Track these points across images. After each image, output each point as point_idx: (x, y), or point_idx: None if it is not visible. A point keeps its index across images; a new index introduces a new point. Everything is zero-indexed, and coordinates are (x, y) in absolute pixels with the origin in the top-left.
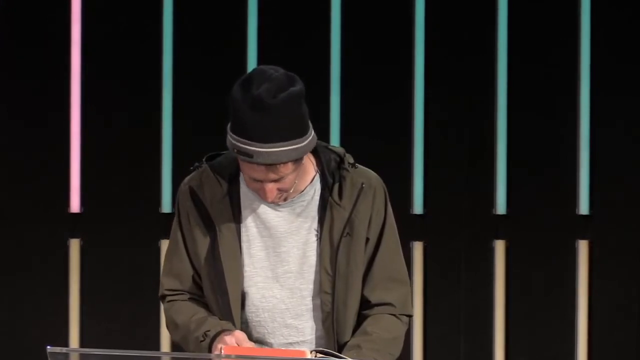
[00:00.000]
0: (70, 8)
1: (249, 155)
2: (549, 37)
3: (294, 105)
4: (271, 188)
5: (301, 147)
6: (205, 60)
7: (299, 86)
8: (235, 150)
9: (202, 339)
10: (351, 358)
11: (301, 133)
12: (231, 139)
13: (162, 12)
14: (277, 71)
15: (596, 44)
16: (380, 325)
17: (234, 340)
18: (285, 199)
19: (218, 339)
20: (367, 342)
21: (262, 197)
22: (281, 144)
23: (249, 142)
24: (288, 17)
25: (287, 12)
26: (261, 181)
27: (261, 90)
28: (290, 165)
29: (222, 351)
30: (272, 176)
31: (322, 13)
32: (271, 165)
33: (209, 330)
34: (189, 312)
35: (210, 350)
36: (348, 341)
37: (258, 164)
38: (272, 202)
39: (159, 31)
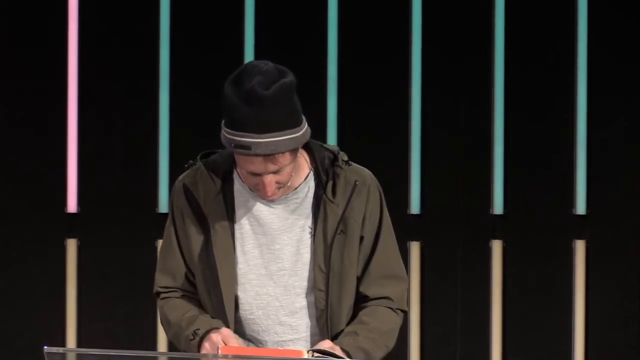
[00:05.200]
0: (67, 8)
1: (247, 147)
2: (546, 37)
3: (287, 96)
4: (270, 181)
5: (297, 136)
6: (202, 61)
7: (290, 77)
8: (233, 145)
9: (192, 337)
10: (347, 345)
11: (296, 123)
12: (227, 134)
13: (159, 12)
14: (267, 64)
15: (593, 44)
16: (376, 316)
17: (220, 338)
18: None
19: (206, 337)
20: (364, 330)
21: (261, 192)
22: (278, 133)
23: (246, 134)
24: (285, 18)
25: (284, 13)
26: (260, 175)
27: (254, 83)
28: (288, 156)
29: (219, 351)
30: (271, 167)
31: (319, 14)
32: (270, 156)
33: (198, 329)
34: (182, 309)
35: (199, 349)
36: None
37: (257, 155)
38: (269, 199)
39: (156, 32)
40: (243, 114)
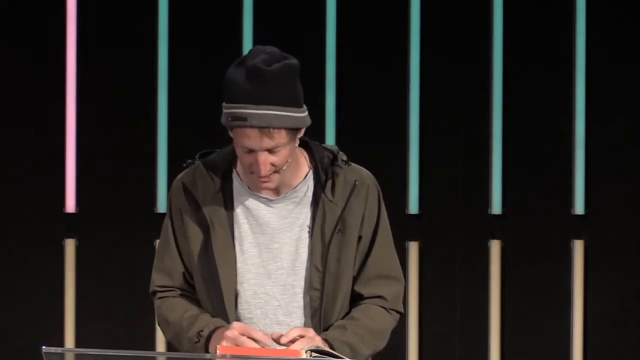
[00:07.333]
0: (66, 8)
1: (242, 118)
2: (544, 37)
3: (288, 76)
4: (264, 160)
5: (296, 116)
6: (201, 61)
7: (294, 61)
8: (230, 118)
9: (197, 340)
10: (333, 338)
11: (296, 104)
12: (225, 109)
13: (157, 12)
14: (271, 48)
15: (592, 43)
16: (368, 314)
17: (236, 333)
18: (278, 193)
19: (214, 335)
20: (353, 325)
21: (256, 174)
22: (275, 107)
23: (244, 105)
24: (283, 19)
25: (282, 13)
26: (255, 151)
27: (257, 61)
28: (284, 134)
29: (218, 351)
30: (267, 142)
31: (318, 15)
32: (265, 130)
33: (202, 330)
34: (181, 309)
35: (207, 350)
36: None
37: (252, 127)
38: (264, 186)
39: (155, 32)
40: (243, 87)
